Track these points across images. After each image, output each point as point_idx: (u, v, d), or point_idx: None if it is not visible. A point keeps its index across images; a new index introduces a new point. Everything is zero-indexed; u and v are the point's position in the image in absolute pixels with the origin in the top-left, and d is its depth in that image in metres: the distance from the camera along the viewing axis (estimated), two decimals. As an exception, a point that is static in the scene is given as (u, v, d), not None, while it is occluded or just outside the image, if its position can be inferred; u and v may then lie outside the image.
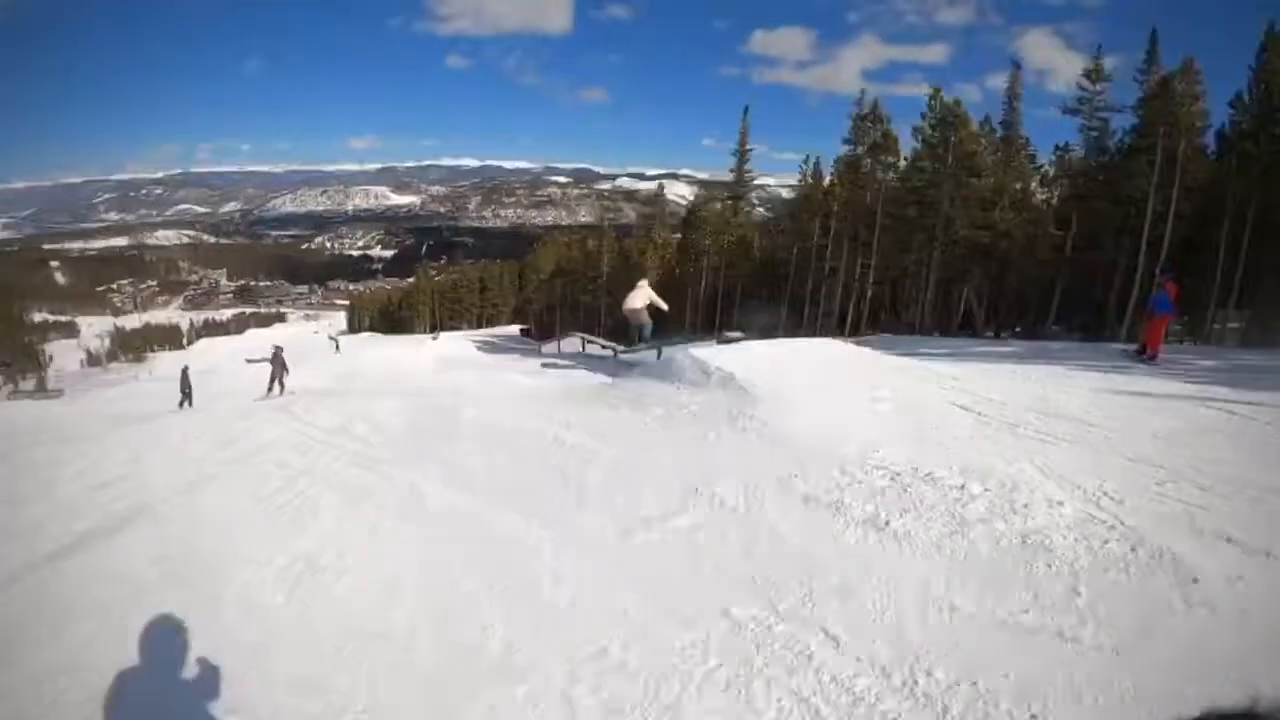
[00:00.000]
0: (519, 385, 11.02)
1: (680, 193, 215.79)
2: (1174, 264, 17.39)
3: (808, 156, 35.17)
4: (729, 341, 10.46)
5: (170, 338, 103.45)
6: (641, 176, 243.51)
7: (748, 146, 38.86)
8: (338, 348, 41.07)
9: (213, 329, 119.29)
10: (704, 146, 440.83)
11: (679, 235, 45.17)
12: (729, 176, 39.42)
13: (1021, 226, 27.00)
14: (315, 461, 6.51)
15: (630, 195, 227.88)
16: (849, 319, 31.35)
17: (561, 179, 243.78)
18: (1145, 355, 9.10)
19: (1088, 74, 26.09)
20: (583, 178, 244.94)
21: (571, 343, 18.94)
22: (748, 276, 38.57)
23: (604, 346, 14.64)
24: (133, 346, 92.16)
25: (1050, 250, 26.10)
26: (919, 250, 27.94)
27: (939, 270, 27.47)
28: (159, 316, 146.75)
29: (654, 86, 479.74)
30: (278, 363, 15.89)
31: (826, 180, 33.82)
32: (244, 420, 8.83)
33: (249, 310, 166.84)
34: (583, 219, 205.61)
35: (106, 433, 9.07)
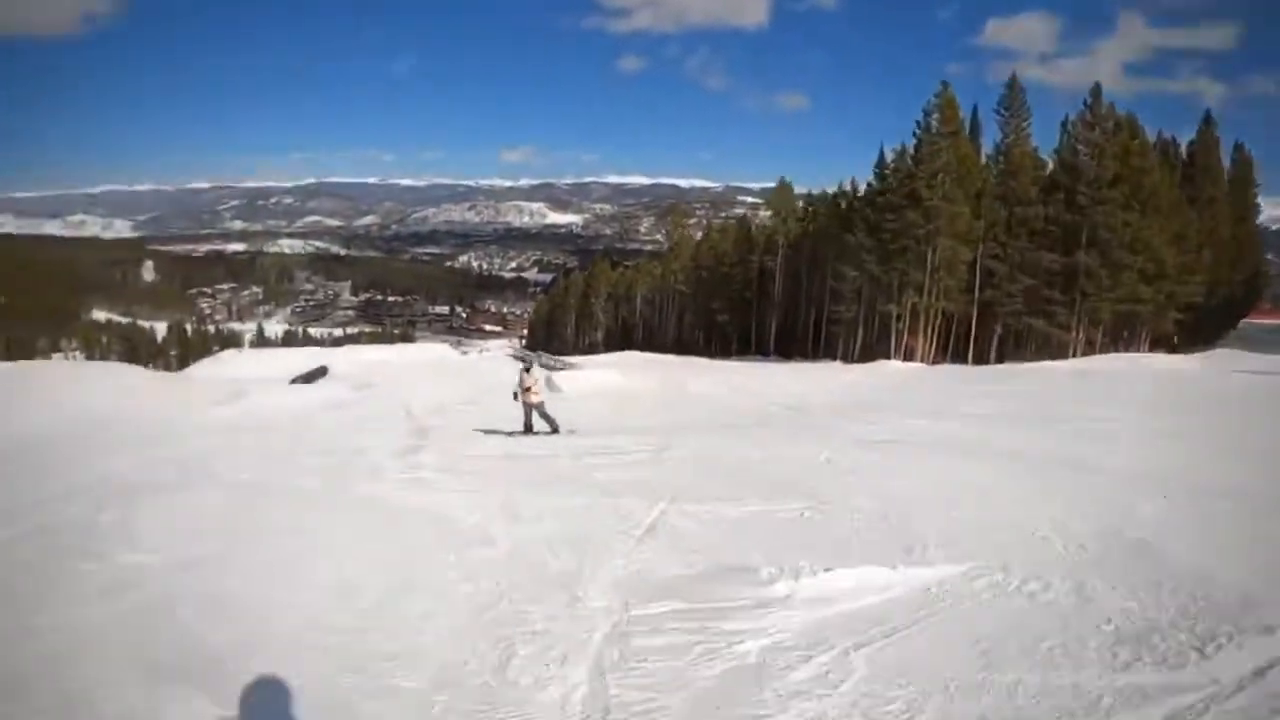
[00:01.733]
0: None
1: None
2: None
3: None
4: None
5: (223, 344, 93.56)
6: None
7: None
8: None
9: (292, 342, 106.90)
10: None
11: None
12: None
13: None
14: None
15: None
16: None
17: (750, 199, 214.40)
18: None
19: None
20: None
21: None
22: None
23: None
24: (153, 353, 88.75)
25: None
26: None
27: None
28: (253, 326, 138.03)
29: (862, 87, 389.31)
30: None
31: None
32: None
33: (369, 329, 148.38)
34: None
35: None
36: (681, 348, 41.23)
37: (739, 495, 5.31)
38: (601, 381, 16.62)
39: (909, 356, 28.80)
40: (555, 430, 9.62)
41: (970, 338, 29.83)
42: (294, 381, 21.66)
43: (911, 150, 30.22)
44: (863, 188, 35.04)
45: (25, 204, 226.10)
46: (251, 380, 22.98)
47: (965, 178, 29.33)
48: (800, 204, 41.53)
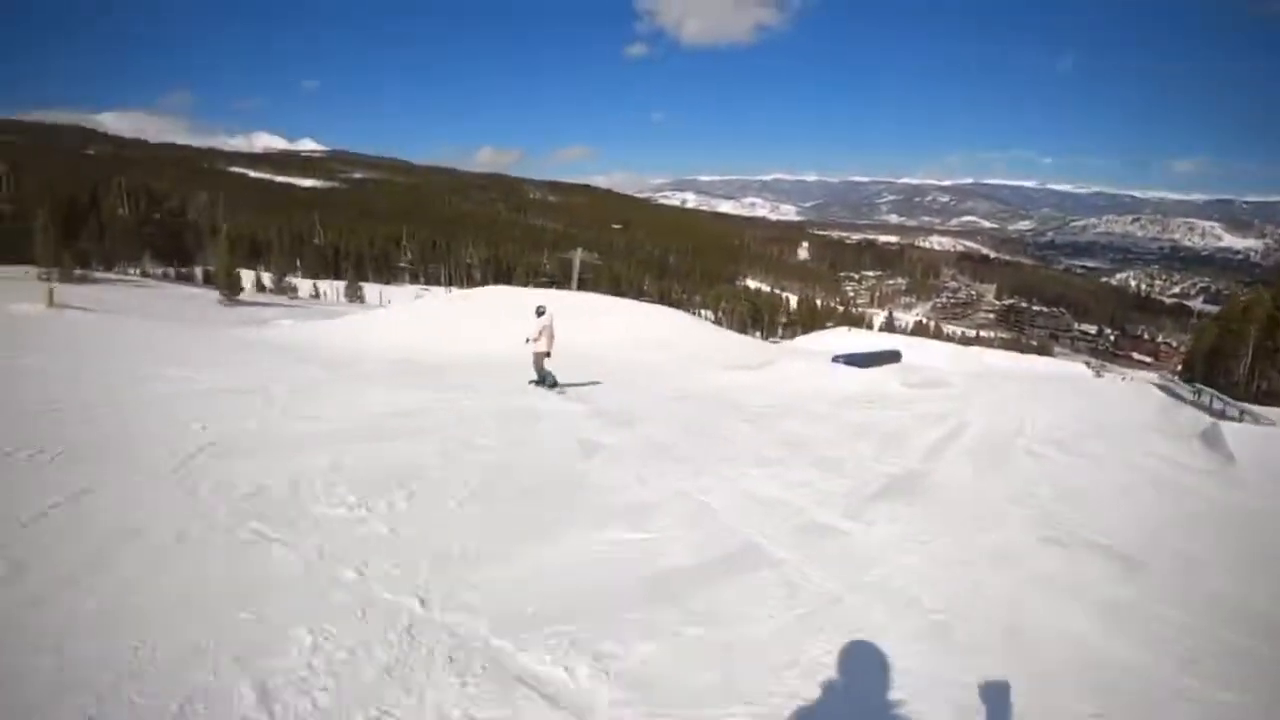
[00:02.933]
0: None
1: None
2: None
3: None
4: None
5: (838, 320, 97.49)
6: None
7: None
8: None
9: (922, 333, 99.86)
10: None
11: None
12: None
13: None
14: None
15: None
16: None
17: None
18: None
19: None
20: None
21: None
22: None
23: None
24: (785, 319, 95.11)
25: None
26: None
27: None
28: (886, 313, 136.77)
29: None
30: None
31: None
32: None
33: (1004, 335, 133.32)
34: None
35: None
36: None
37: None
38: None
39: None
40: (544, 384, 9.11)
41: None
42: (836, 359, 20.63)
43: None
44: None
45: (706, 185, 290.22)
46: (813, 352, 25.32)
47: None
48: None
